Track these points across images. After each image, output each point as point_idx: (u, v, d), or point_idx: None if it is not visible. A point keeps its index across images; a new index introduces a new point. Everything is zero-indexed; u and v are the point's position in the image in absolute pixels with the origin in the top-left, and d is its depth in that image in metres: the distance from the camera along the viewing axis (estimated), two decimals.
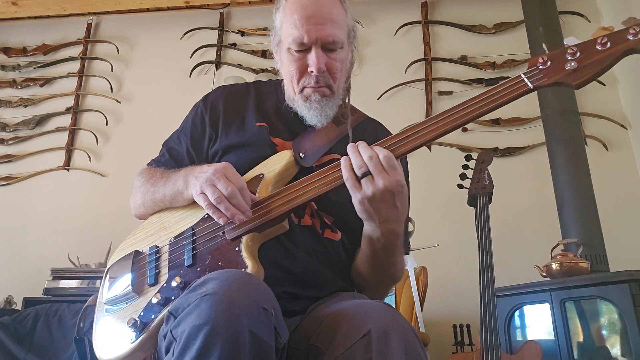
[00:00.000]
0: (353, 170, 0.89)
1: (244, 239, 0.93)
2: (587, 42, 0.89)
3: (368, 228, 0.99)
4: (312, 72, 1.06)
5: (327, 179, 0.94)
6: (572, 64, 0.87)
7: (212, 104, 1.18)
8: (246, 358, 0.68)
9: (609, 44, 0.86)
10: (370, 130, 1.20)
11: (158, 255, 1.01)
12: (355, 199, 0.90)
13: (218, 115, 1.16)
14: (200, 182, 0.94)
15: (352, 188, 0.89)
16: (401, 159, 1.12)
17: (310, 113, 1.09)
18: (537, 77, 0.89)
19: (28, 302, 2.65)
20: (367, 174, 0.88)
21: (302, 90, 1.09)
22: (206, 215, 1.00)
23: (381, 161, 0.88)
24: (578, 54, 0.88)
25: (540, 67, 0.90)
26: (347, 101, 1.17)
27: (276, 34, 1.13)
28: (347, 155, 0.92)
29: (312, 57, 1.05)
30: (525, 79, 0.90)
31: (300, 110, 1.11)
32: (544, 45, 0.95)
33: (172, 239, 1.02)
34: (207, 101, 1.20)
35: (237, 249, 0.92)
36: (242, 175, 1.02)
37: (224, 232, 0.95)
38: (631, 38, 0.85)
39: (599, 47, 0.87)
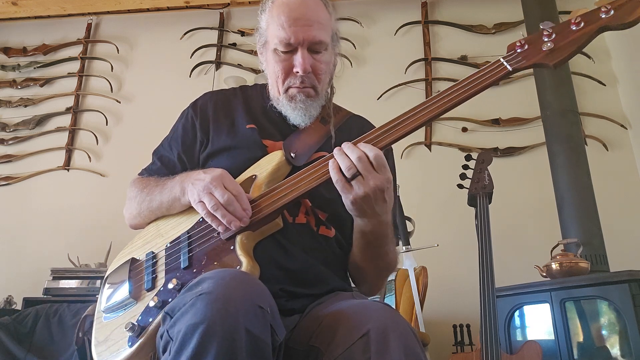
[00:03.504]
0: (342, 171, 0.89)
1: (239, 237, 0.94)
2: (562, 24, 0.92)
3: (360, 223, 1.00)
4: (297, 72, 1.07)
5: (316, 174, 0.95)
6: (549, 44, 0.90)
7: (202, 109, 1.19)
8: (242, 356, 0.68)
9: (582, 24, 0.89)
10: (356, 128, 1.20)
11: (155, 260, 1.01)
12: (347, 199, 0.90)
13: (208, 119, 1.17)
14: (198, 190, 0.95)
15: (343, 189, 0.90)
16: (387, 150, 1.13)
17: (295, 113, 1.11)
18: (516, 60, 0.92)
19: (28, 302, 2.65)
20: (356, 175, 0.89)
21: (286, 90, 1.10)
22: (201, 219, 1.00)
23: (372, 161, 0.89)
24: (554, 35, 0.90)
25: (519, 50, 0.93)
26: (330, 102, 1.18)
27: (262, 35, 1.14)
28: (333, 157, 0.92)
29: (298, 58, 1.06)
30: (504, 62, 0.92)
31: (285, 110, 1.12)
32: (521, 32, 0.99)
33: (169, 244, 1.02)
34: (196, 106, 1.20)
35: (232, 247, 0.93)
36: (234, 177, 1.02)
37: (219, 233, 0.96)
38: (604, 16, 0.88)
39: (573, 27, 0.89)
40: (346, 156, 0.89)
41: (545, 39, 0.90)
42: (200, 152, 1.15)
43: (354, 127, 1.20)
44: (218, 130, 1.15)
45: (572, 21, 0.89)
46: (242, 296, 0.72)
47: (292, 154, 1.06)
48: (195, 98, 1.24)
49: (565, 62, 0.90)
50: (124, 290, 0.99)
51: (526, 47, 0.92)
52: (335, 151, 0.92)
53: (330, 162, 0.91)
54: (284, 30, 1.05)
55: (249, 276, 0.80)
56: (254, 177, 1.03)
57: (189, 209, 1.01)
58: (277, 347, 0.76)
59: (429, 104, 0.94)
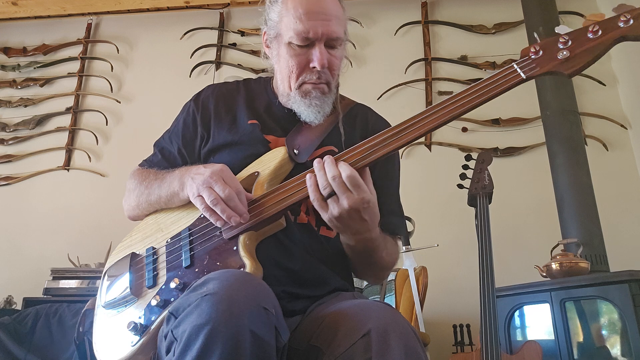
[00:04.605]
0: (319, 190, 0.89)
1: (242, 237, 0.93)
2: (578, 30, 0.87)
3: (343, 237, 1.00)
4: (314, 67, 1.04)
5: None
6: (564, 52, 0.86)
7: (203, 103, 1.17)
8: (247, 358, 0.68)
9: (600, 32, 0.85)
10: (360, 117, 1.19)
11: (155, 256, 1.01)
12: (324, 217, 0.90)
13: (209, 114, 1.15)
14: (197, 184, 0.93)
15: (320, 208, 0.90)
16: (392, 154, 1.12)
17: (309, 110, 1.07)
18: (530, 67, 0.88)
19: (28, 302, 2.65)
20: (332, 194, 0.88)
21: (300, 86, 1.07)
22: (202, 215, 0.99)
23: (345, 181, 0.87)
24: (570, 43, 0.86)
25: (533, 56, 0.88)
26: (337, 95, 1.15)
27: (273, 28, 1.10)
28: (313, 172, 0.90)
29: (316, 53, 1.03)
30: (518, 69, 0.88)
31: (298, 106, 1.08)
32: (535, 34, 0.93)
33: (169, 240, 1.01)
34: (197, 100, 1.18)
35: (234, 248, 0.92)
36: (236, 173, 1.01)
37: (220, 232, 0.95)
38: (622, 25, 0.84)
39: (590, 35, 0.85)
40: (324, 172, 0.89)
41: (561, 46, 0.86)
42: (201, 147, 1.13)
43: (358, 116, 1.19)
44: (219, 125, 1.13)
45: (589, 29, 0.85)
46: (246, 297, 0.72)
47: (295, 151, 1.04)
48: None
49: (581, 72, 0.86)
50: (124, 286, 0.99)
51: (541, 53, 0.88)
52: (316, 164, 0.90)
53: (308, 177, 0.90)
54: (302, 24, 1.02)
55: (253, 277, 0.80)
56: (256, 174, 1.01)
57: (189, 203, 0.99)
58: (281, 349, 0.76)
59: (437, 111, 0.91)
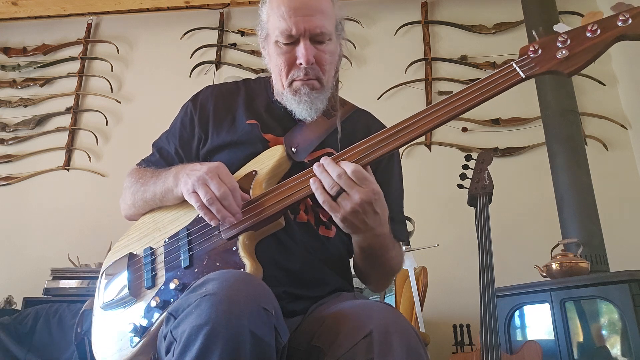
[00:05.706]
0: (326, 191, 0.87)
1: (241, 238, 0.92)
2: (577, 29, 0.87)
3: (357, 239, 0.99)
4: (300, 64, 1.04)
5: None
6: (564, 52, 0.85)
7: (202, 104, 1.17)
8: (246, 358, 0.68)
9: (599, 31, 0.84)
10: (362, 122, 1.19)
11: (153, 257, 1.00)
12: (337, 218, 0.88)
13: (208, 115, 1.15)
14: (193, 180, 0.92)
15: (331, 209, 0.88)
16: (393, 153, 1.10)
17: (300, 107, 1.07)
18: (529, 66, 0.87)
19: (28, 302, 2.64)
20: (341, 191, 0.86)
21: (290, 84, 1.07)
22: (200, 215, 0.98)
23: (351, 177, 0.86)
24: (569, 42, 0.86)
25: (532, 55, 0.88)
26: (336, 94, 1.15)
27: (263, 29, 1.11)
28: (314, 175, 0.89)
29: (300, 49, 1.03)
30: (517, 68, 0.87)
31: (290, 104, 1.09)
32: (534, 33, 0.92)
33: (167, 240, 1.00)
34: (196, 101, 1.18)
35: (234, 248, 0.91)
36: (234, 172, 1.01)
37: (219, 232, 0.94)
38: (621, 24, 0.83)
39: (589, 34, 0.85)
40: (327, 174, 0.87)
41: (560, 45, 0.86)
42: (200, 148, 1.13)
43: (359, 121, 1.18)
44: (218, 126, 1.13)
45: (588, 28, 0.85)
46: (246, 298, 0.71)
47: (292, 149, 1.04)
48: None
49: (580, 71, 0.85)
50: (123, 287, 0.98)
51: (540, 52, 0.87)
52: (315, 168, 0.89)
53: (312, 180, 0.89)
54: (285, 21, 1.02)
55: (253, 278, 0.80)
56: (254, 172, 1.01)
57: (186, 202, 0.98)
58: (281, 349, 0.76)
59: (436, 110, 0.90)
